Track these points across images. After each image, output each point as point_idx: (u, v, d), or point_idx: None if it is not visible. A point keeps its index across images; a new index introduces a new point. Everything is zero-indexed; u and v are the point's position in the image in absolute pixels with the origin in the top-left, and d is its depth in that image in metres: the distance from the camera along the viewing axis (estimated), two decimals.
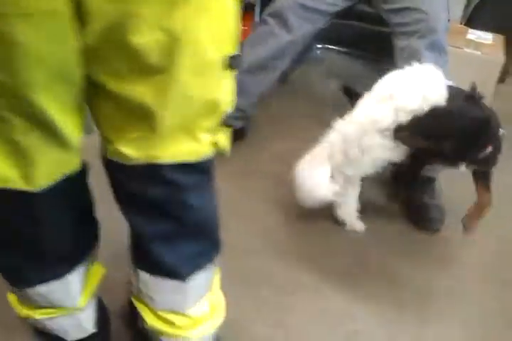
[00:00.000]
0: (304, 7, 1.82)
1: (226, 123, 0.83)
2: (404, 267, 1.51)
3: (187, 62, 0.71)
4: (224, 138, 0.86)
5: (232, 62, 0.76)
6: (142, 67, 0.70)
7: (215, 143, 0.84)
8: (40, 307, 0.95)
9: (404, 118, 1.24)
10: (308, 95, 2.34)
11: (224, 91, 0.79)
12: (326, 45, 2.79)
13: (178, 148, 0.80)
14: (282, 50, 1.85)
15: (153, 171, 0.81)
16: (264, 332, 1.24)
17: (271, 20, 1.84)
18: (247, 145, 1.94)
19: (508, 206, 1.72)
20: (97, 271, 1.03)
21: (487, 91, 2.25)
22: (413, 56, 1.70)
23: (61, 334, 1.01)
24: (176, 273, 0.90)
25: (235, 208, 1.63)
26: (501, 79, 2.50)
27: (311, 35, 1.90)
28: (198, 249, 0.92)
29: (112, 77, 0.71)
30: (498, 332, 1.34)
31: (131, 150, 0.78)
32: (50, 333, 1.02)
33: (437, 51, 1.71)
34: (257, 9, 2.46)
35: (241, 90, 1.82)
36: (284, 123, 2.08)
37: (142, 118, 0.75)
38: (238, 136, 1.91)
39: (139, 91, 0.72)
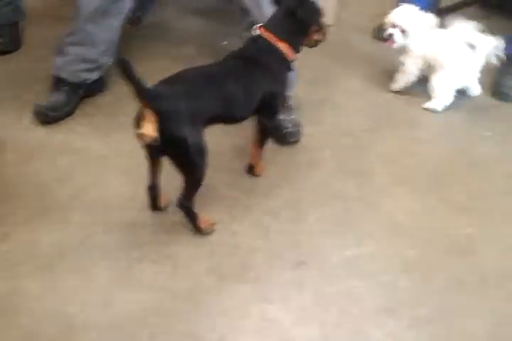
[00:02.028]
0: None
1: None
2: (271, 176, 1.63)
3: None
4: None
5: None
6: None
7: None
8: None
9: None
10: (167, 35, 2.29)
11: None
12: None
13: None
14: None
15: None
16: None
17: None
18: (108, 96, 1.89)
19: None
20: None
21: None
22: None
23: None
24: None
25: (105, 164, 1.63)
26: None
27: None
28: None
29: None
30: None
31: None
32: None
33: None
34: None
35: (88, 41, 1.80)
36: (146, 67, 1.98)
37: None
38: (96, 87, 1.87)
39: None
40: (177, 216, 1.42)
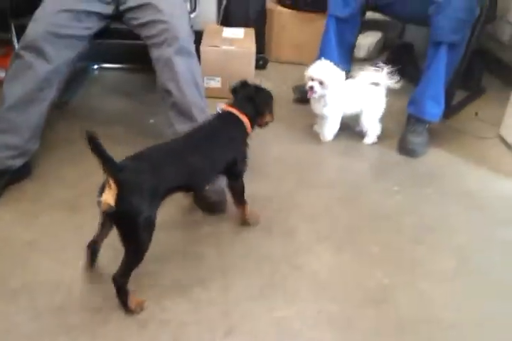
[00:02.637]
0: (58, 35, 1.83)
1: None
2: (199, 246, 1.69)
3: None
4: None
5: None
6: None
7: None
8: None
9: None
10: (94, 115, 2.39)
11: None
12: (102, 65, 2.85)
13: None
14: (47, 81, 1.85)
15: None
16: None
17: (26, 54, 1.82)
18: (33, 180, 1.92)
19: None
20: None
21: (248, 77, 2.57)
22: (167, 64, 1.86)
23: None
24: None
25: (32, 249, 1.63)
26: (263, 66, 2.81)
27: (74, 61, 1.93)
28: None
29: None
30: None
31: None
32: None
33: (185, 55, 1.89)
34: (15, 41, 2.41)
35: (12, 128, 1.86)
36: (72, 149, 2.09)
37: None
38: (22, 173, 1.90)
39: None
40: (106, 294, 1.44)
